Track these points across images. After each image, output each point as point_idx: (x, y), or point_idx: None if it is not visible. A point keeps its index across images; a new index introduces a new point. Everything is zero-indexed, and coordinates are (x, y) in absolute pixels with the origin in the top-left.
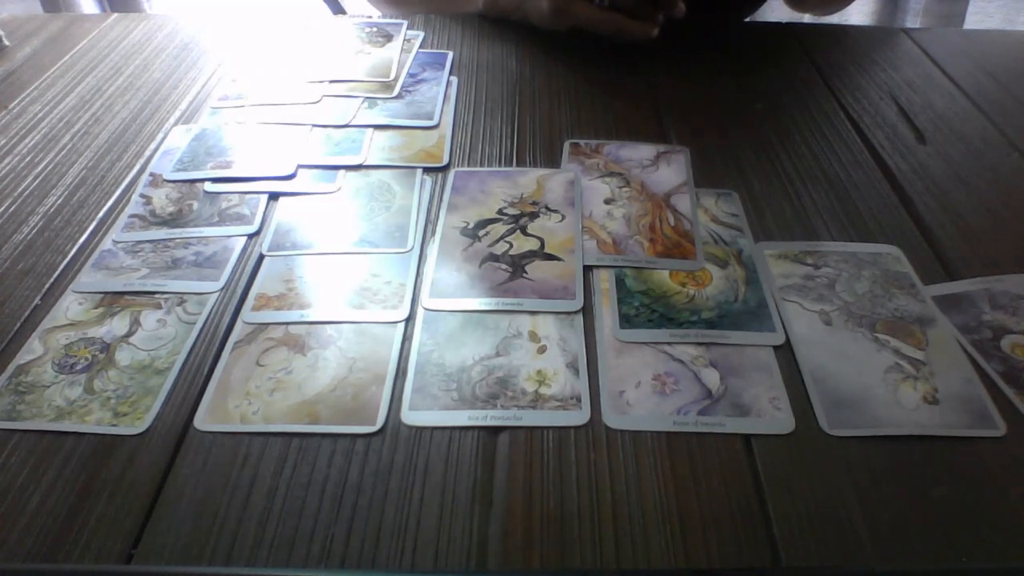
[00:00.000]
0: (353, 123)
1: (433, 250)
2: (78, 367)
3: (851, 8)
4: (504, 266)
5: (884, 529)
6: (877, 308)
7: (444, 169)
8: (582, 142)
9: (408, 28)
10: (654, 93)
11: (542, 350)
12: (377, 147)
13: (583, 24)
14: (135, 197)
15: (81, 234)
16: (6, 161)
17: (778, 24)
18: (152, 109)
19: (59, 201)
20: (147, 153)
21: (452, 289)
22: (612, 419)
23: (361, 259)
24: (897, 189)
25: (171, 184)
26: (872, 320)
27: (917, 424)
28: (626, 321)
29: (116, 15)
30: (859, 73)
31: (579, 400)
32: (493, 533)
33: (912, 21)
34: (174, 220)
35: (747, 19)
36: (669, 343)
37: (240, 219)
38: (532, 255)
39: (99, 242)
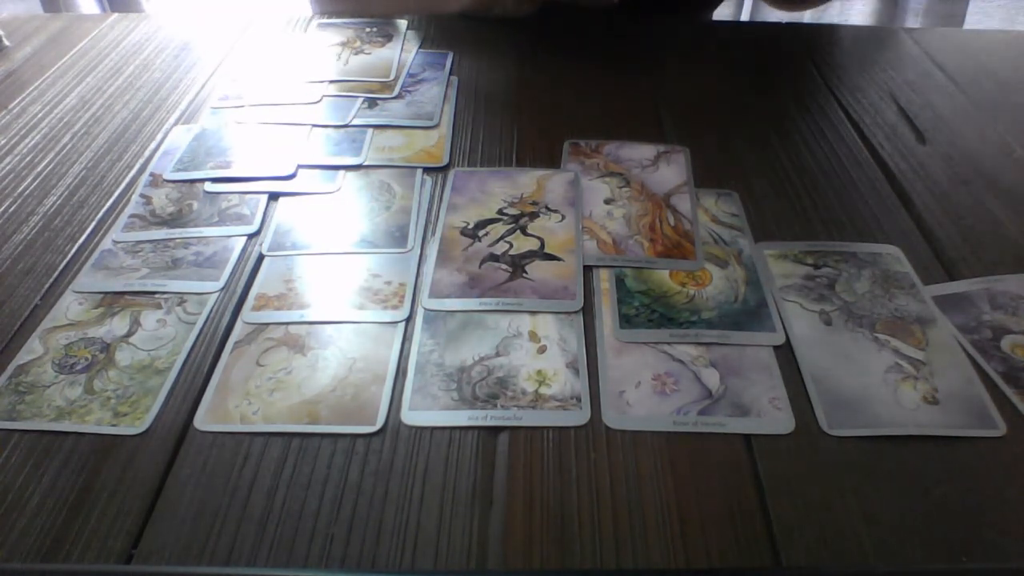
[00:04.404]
0: (353, 123)
1: (433, 250)
2: (78, 367)
3: (851, 8)
4: (504, 266)
5: (884, 529)
6: (877, 308)
7: (444, 169)
8: (582, 142)
9: (408, 28)
10: (654, 93)
11: (542, 350)
12: (377, 147)
13: None
14: (135, 197)
15: (81, 234)
16: (6, 161)
17: (778, 24)
18: (152, 109)
19: (59, 201)
20: (147, 153)
21: (452, 289)
22: (612, 419)
23: (361, 259)
24: (897, 189)
25: (171, 184)
26: (872, 320)
27: (917, 424)
28: (626, 321)
29: (116, 15)
30: (859, 73)
31: (579, 400)
32: (493, 533)
33: (912, 21)
34: (174, 220)
35: (717, 18)
36: (669, 343)
37: (240, 219)
38: (532, 255)
39: (99, 242)
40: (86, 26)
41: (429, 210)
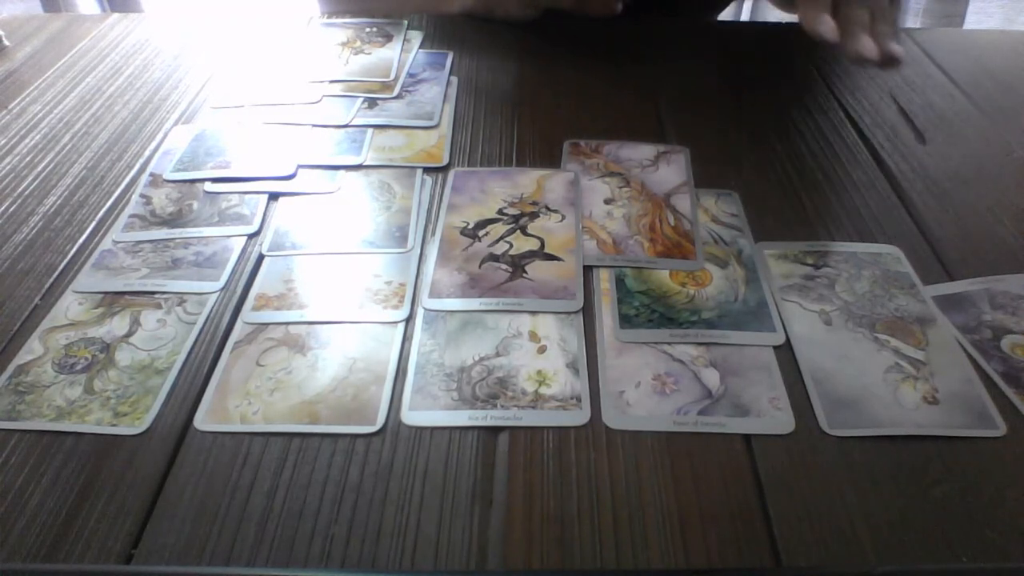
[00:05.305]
0: (353, 123)
1: (433, 250)
2: (78, 367)
3: None
4: (504, 266)
5: (884, 529)
6: (877, 308)
7: (444, 169)
8: (582, 142)
9: (408, 28)
10: (654, 93)
11: (542, 350)
12: (377, 147)
13: (553, 4)
14: (135, 197)
15: (81, 234)
16: (6, 161)
17: (778, 24)
18: (152, 109)
19: (59, 201)
20: (147, 153)
21: (452, 289)
22: (612, 419)
23: (361, 259)
24: (897, 189)
25: (171, 184)
26: (872, 320)
27: (917, 424)
28: (626, 321)
29: (116, 15)
30: (859, 73)
31: (579, 400)
32: (493, 533)
33: (912, 21)
34: (174, 220)
35: (719, 18)
36: (669, 343)
37: (240, 219)
38: (532, 255)
39: (99, 242)
40: (86, 26)
41: (429, 210)
